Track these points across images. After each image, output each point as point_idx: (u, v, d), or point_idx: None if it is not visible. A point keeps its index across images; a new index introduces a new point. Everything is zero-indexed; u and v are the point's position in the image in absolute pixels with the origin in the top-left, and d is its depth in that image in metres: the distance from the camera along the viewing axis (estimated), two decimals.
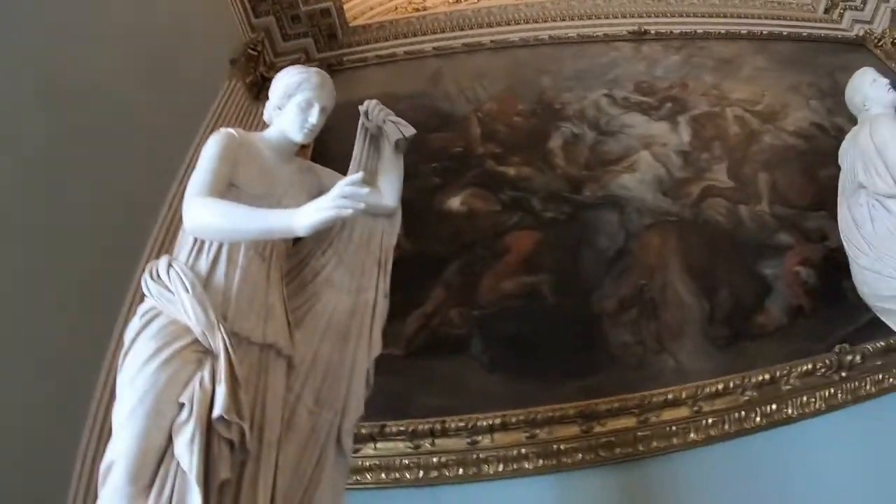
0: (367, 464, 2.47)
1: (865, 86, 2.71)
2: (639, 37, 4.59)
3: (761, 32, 5.31)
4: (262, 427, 1.55)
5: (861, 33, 5.92)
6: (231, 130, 1.89)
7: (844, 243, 2.58)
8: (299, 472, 1.67)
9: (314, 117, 1.94)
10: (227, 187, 1.72)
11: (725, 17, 5.30)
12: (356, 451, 2.38)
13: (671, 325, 2.92)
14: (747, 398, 2.75)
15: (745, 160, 3.84)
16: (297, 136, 1.96)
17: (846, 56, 5.12)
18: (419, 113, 3.67)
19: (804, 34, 5.62)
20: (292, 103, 1.95)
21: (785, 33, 5.46)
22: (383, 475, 2.46)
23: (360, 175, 1.60)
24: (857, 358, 2.96)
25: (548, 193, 3.29)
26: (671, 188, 3.47)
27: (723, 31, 5.05)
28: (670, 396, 2.68)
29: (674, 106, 4.01)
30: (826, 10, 6.07)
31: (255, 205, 1.66)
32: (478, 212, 3.23)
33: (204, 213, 1.60)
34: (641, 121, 3.83)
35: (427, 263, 2.96)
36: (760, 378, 2.79)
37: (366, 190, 1.56)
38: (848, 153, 2.61)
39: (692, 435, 2.64)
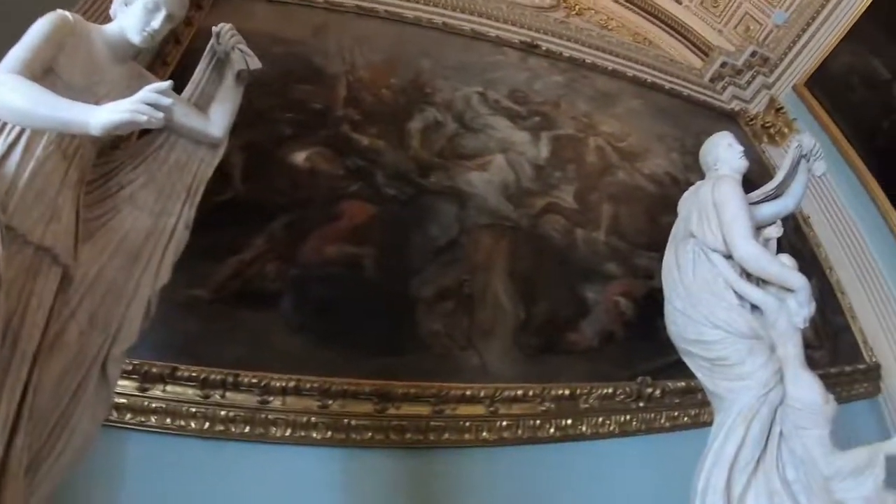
0: (154, 406, 2.38)
1: (721, 148, 2.92)
2: (529, 49, 4.95)
3: (646, 80, 5.93)
4: (19, 335, 1.48)
5: (737, 109, 6.84)
6: (67, 14, 1.80)
7: (664, 283, 2.76)
8: (59, 393, 1.62)
9: (158, 22, 1.90)
10: (45, 72, 1.66)
11: (616, 55, 5.85)
12: (144, 390, 2.37)
13: (484, 324, 3.10)
14: (545, 409, 2.97)
15: (594, 188, 4.27)
16: (136, 38, 1.91)
17: (717, 124, 5.80)
18: (291, 60, 3.68)
19: (684, 94, 6.36)
20: (140, 2, 1.89)
21: (667, 87, 6.15)
22: (168, 420, 2.39)
23: (166, 84, 1.61)
24: (657, 392, 3.37)
25: (394, 171, 3.40)
26: (516, 195, 3.74)
27: (609, 68, 5.59)
28: (468, 392, 2.81)
29: (541, 121, 4.36)
30: (711, 80, 6.94)
31: (69, 97, 1.59)
32: (320, 172, 3.21)
33: (7, 91, 1.54)
34: (505, 126, 4.11)
35: (257, 211, 2.92)
36: (561, 392, 3.04)
37: (169, 100, 1.57)
38: (687, 202, 2.82)
39: (485, 434, 2.81)
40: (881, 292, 5.39)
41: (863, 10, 6.13)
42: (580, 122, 4.69)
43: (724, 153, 2.86)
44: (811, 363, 2.38)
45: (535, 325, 3.26)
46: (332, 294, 2.85)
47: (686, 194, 2.92)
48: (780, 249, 2.73)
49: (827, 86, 6.43)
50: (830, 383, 3.18)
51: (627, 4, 7.37)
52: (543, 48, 5.04)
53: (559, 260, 3.70)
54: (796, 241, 5.43)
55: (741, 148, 2.91)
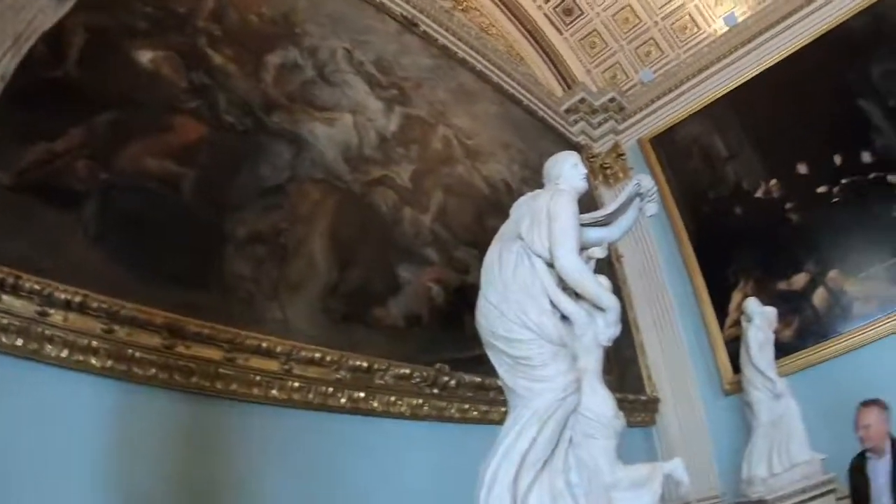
0: None
1: (567, 165, 3.05)
2: (408, 24, 5.27)
3: (507, 90, 6.53)
4: None
5: (583, 143, 7.73)
6: None
7: (482, 276, 2.80)
8: None
9: None
10: None
11: (487, 60, 6.37)
12: None
13: (293, 278, 3.11)
14: (339, 377, 3.00)
15: (431, 174, 4.66)
16: None
17: (561, 150, 6.46)
18: None
19: (539, 114, 7.08)
20: None
21: (525, 104, 6.80)
22: None
23: None
24: (453, 382, 3.60)
25: (239, 99, 3.40)
26: (354, 159, 3.97)
27: (477, 68, 6.09)
28: (265, 345, 2.75)
29: (398, 95, 4.69)
30: (567, 111, 7.78)
31: None
32: (163, 77, 3.05)
33: None
34: (363, 90, 4.36)
35: (83, 99, 2.69)
36: (359, 364, 3.09)
37: None
38: (522, 206, 2.92)
39: (274, 392, 2.75)
40: (671, 337, 6.57)
41: (720, 94, 7.36)
42: (435, 108, 5.09)
43: (568, 171, 3.03)
44: None
45: (345, 291, 3.33)
46: (141, 209, 2.68)
47: (522, 198, 3.06)
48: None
49: (669, 147, 7.60)
50: None
51: (512, 18, 8.01)
52: (421, 29, 5.38)
53: (382, 233, 3.91)
54: (607, 272, 6.38)
55: (585, 171, 3.13)
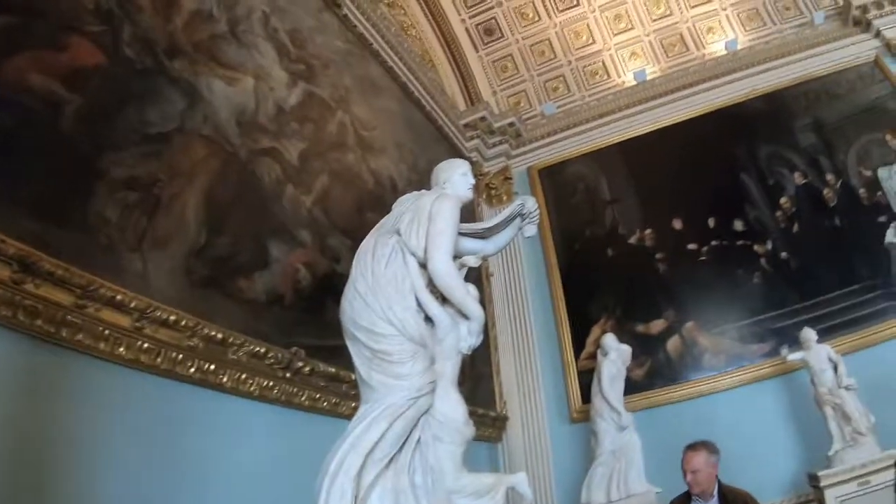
0: None
1: (457, 172, 3.15)
2: (332, 4, 5.40)
3: (412, 92, 6.81)
4: None
5: (474, 159, 8.18)
6: None
7: (354, 265, 2.82)
8: None
9: None
10: None
11: (399, 57, 6.63)
12: None
13: (160, 233, 3.06)
14: (192, 345, 2.94)
15: (320, 156, 4.80)
16: None
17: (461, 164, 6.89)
18: None
19: (438, 122, 7.43)
20: None
21: (427, 109, 7.12)
22: None
23: None
24: (307, 368, 3.64)
25: (144, 35, 3.34)
26: (247, 125, 4.01)
27: (388, 64, 6.33)
28: (119, 297, 2.66)
29: (305, 71, 4.81)
30: (466, 125, 8.20)
31: None
32: None
33: None
34: (271, 57, 4.44)
35: None
36: (214, 334, 3.05)
37: None
38: (406, 202, 3.01)
39: (122, 350, 2.67)
40: (527, 360, 7.14)
41: (614, 141, 8.12)
42: (338, 92, 5.26)
43: (457, 178, 3.14)
44: None
45: (211, 256, 3.32)
46: (12, 125, 2.55)
47: (407, 195, 3.16)
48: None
49: (556, 180, 8.27)
50: None
51: (434, 25, 8.36)
52: (343, 12, 5.54)
53: (259, 205, 3.95)
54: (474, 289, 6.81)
55: (472, 182, 3.26)
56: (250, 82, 4.15)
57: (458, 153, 7.76)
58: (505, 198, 7.95)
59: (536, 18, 8.92)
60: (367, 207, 5.11)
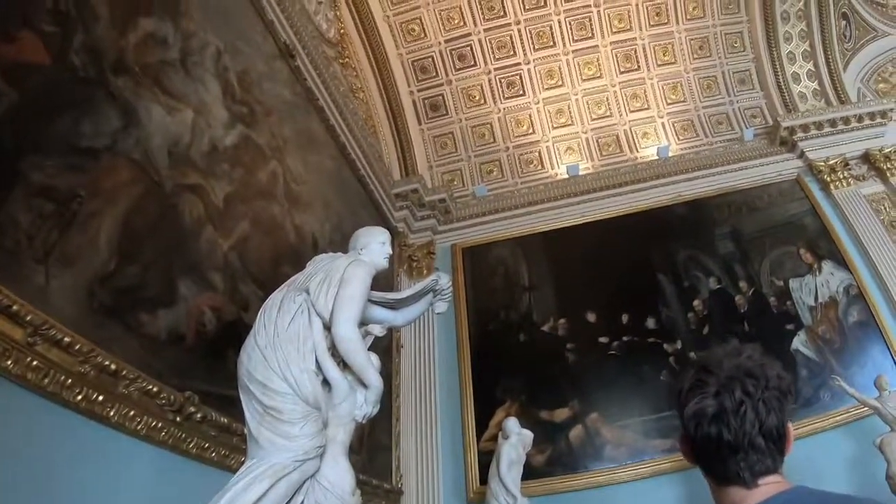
0: None
1: (376, 241, 3.36)
2: (286, 52, 5.65)
3: (349, 154, 7.06)
4: None
5: (400, 229, 8.44)
6: None
7: (258, 316, 2.88)
8: None
9: None
10: None
11: (344, 120, 6.93)
12: None
13: (70, 250, 3.04)
14: (83, 371, 2.88)
15: (245, 202, 4.85)
16: None
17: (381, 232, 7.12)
18: None
19: (370, 187, 7.67)
20: None
21: (360, 172, 7.38)
22: None
23: None
24: (199, 415, 3.57)
25: (95, 45, 3.38)
26: (177, 156, 4.04)
27: (330, 122, 6.59)
28: (15, 308, 2.59)
29: (247, 115, 4.95)
30: (397, 195, 8.51)
31: None
32: None
33: None
34: (217, 94, 4.57)
35: None
36: (107, 363, 3.00)
37: None
38: (320, 262, 3.16)
39: (9, 363, 2.58)
40: (428, 436, 7.21)
41: (539, 230, 8.61)
42: (276, 141, 5.41)
43: (375, 246, 3.36)
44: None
45: (118, 283, 3.31)
46: None
47: (322, 255, 3.31)
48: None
49: (478, 260, 8.63)
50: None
51: (382, 91, 8.78)
52: (296, 63, 5.78)
53: (176, 240, 3.94)
54: (384, 359, 6.88)
55: (390, 252, 3.47)
56: (189, 115, 4.22)
57: (385, 221, 8.01)
58: (426, 271, 8.22)
59: (482, 101, 9.53)
60: (285, 261, 5.17)
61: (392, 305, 3.51)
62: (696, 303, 7.68)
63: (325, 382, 2.71)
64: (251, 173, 5.01)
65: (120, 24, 3.64)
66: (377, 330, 3.39)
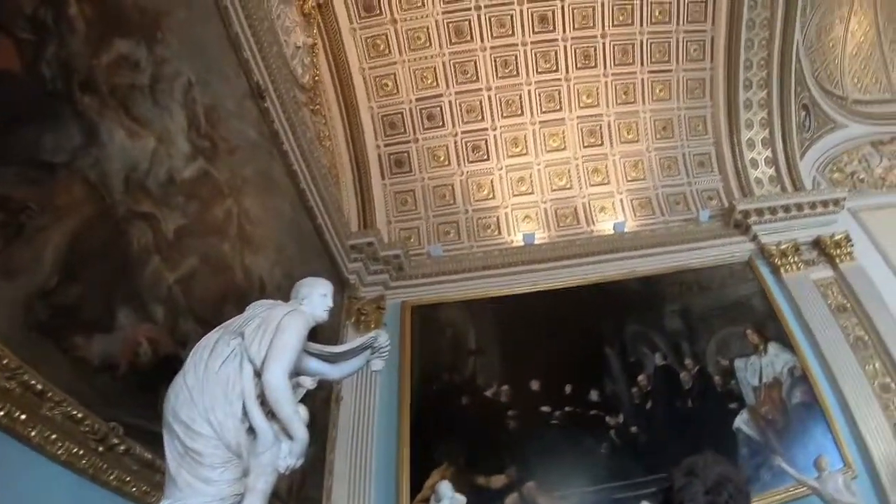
0: None
1: (317, 292, 3.44)
2: (257, 92, 5.79)
3: (308, 201, 7.15)
4: None
5: (352, 281, 8.47)
6: None
7: (191, 355, 2.92)
8: None
9: None
10: None
11: (307, 166, 7.05)
12: None
13: (13, 262, 2.99)
14: (8, 387, 2.85)
15: (197, 237, 4.82)
16: None
17: (330, 278, 7.13)
18: None
19: (325, 237, 7.74)
20: None
21: (318, 221, 7.44)
22: None
23: None
24: (122, 447, 3.53)
25: (65, 60, 3.38)
26: (134, 183, 4.05)
27: (293, 167, 6.70)
28: None
29: (209, 150, 5.02)
30: (352, 247, 8.59)
31: None
32: None
33: None
34: (182, 126, 4.63)
35: None
36: (34, 383, 2.98)
37: None
38: (259, 307, 3.22)
39: None
40: (361, 493, 7.08)
41: (491, 295, 8.75)
42: (235, 180, 5.47)
43: (316, 298, 3.43)
44: None
45: (57, 302, 3.29)
46: None
47: (262, 301, 3.37)
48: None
49: (427, 319, 8.66)
50: None
51: (349, 142, 9.01)
52: (265, 104, 5.91)
53: (121, 267, 3.93)
54: (322, 411, 6.84)
55: (331, 305, 3.52)
56: (151, 142, 4.26)
57: (338, 271, 8.05)
58: (374, 325, 8.23)
59: (446, 162, 9.82)
60: (230, 301, 5.13)
61: (329, 359, 3.57)
62: (640, 378, 7.88)
63: (251, 430, 2.73)
64: (206, 209, 5.03)
65: (95, 42, 3.71)
66: (308, 382, 3.50)
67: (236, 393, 2.73)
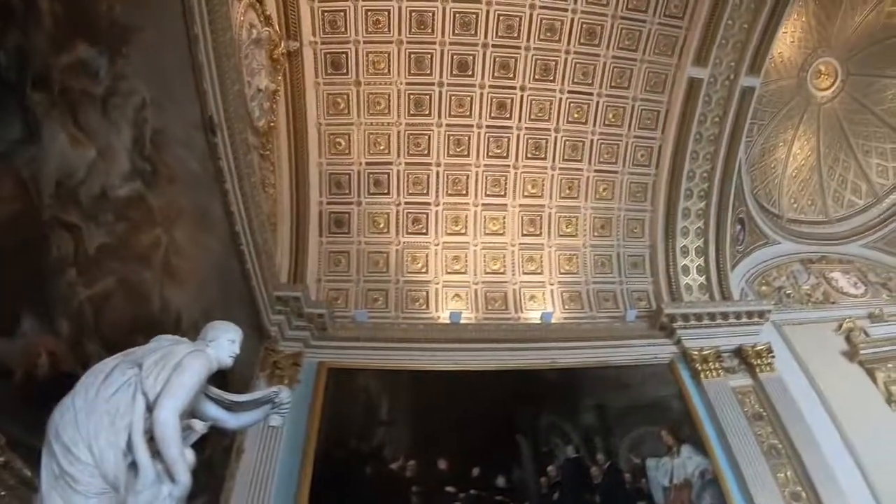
0: None
1: (226, 337, 3.50)
2: (208, 127, 5.84)
3: (241, 246, 7.10)
4: None
5: (273, 334, 8.33)
6: None
7: (84, 377, 2.91)
8: None
9: None
10: None
11: (246, 210, 7.06)
12: None
13: None
14: None
15: (118, 259, 4.69)
16: None
17: (249, 326, 7.06)
18: None
19: (252, 283, 7.64)
20: None
21: (246, 266, 7.38)
22: None
23: None
24: (2, 459, 3.34)
25: (24, 51, 3.44)
26: (65, 190, 4.00)
27: (231, 210, 6.69)
28: None
29: (150, 173, 5.00)
30: (278, 298, 8.48)
31: None
32: None
33: None
34: (126, 144, 4.61)
35: None
36: None
37: None
38: (162, 342, 3.27)
39: None
40: None
41: (408, 368, 8.72)
42: (170, 210, 5.42)
43: (224, 342, 3.48)
44: None
45: None
46: None
47: (167, 336, 3.40)
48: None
49: (342, 383, 8.50)
50: None
51: (293, 193, 9.11)
52: (215, 140, 5.95)
53: (34, 273, 3.85)
54: (222, 460, 6.62)
55: (237, 352, 3.55)
56: (92, 154, 4.22)
57: (258, 321, 7.93)
58: (286, 381, 8.08)
59: (385, 230, 9.97)
60: (142, 331, 4.90)
61: (228, 406, 3.56)
62: (550, 468, 7.90)
63: (133, 465, 2.69)
64: (134, 232, 4.93)
65: (59, 41, 3.72)
66: (199, 426, 3.35)
67: (124, 423, 2.70)
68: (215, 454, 6.41)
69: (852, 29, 11.53)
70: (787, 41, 11.44)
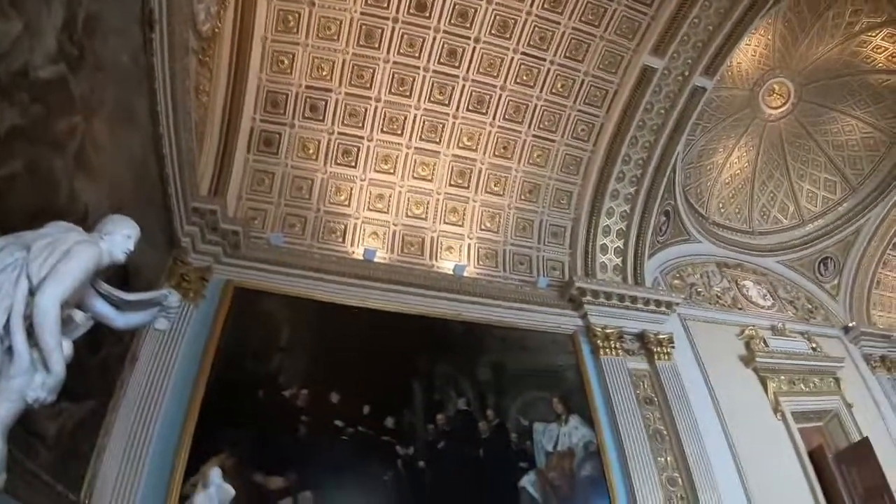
0: None
1: (121, 233, 3.56)
2: (147, 20, 5.60)
3: (163, 149, 6.87)
4: None
5: (185, 244, 8.18)
6: None
7: None
8: None
9: None
10: None
11: (174, 115, 6.81)
12: None
13: None
14: None
15: (29, 142, 4.38)
16: None
17: (162, 230, 6.90)
18: None
19: (170, 191, 7.41)
20: None
21: (167, 171, 7.16)
22: None
23: None
24: None
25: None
26: (9, 77, 3.96)
27: (157, 110, 6.43)
28: None
29: (76, 59, 4.67)
30: (193, 209, 8.32)
31: None
32: None
33: None
34: (56, 24, 4.32)
35: None
36: None
37: None
38: (56, 228, 3.26)
39: None
40: (134, 463, 6.68)
41: (314, 298, 8.84)
42: (91, 100, 5.06)
43: (118, 237, 3.53)
44: None
45: None
46: None
47: (62, 223, 3.40)
48: None
49: (246, 304, 8.48)
50: None
51: (227, 104, 8.89)
52: (151, 35, 5.73)
53: None
54: (114, 367, 6.60)
55: (131, 249, 3.56)
56: (17, 28, 3.98)
57: (172, 230, 7.78)
58: (192, 294, 8.02)
59: (314, 157, 9.91)
60: (45, 220, 4.80)
61: (116, 304, 3.57)
62: (440, 417, 8.29)
63: (9, 351, 2.67)
64: (49, 118, 4.71)
65: (33, 27, 3.69)
66: (80, 317, 3.33)
67: (3, 306, 2.66)
68: (110, 358, 6.36)
69: (814, 58, 12.08)
70: (749, 53, 11.88)
